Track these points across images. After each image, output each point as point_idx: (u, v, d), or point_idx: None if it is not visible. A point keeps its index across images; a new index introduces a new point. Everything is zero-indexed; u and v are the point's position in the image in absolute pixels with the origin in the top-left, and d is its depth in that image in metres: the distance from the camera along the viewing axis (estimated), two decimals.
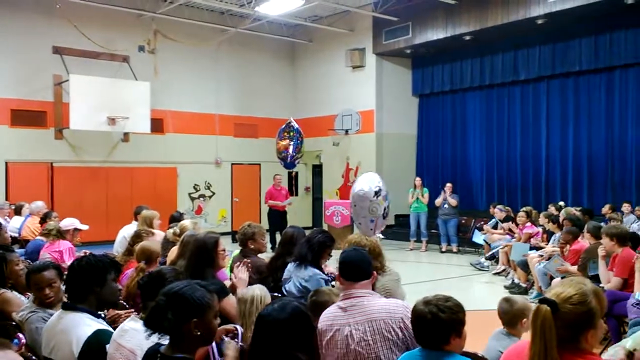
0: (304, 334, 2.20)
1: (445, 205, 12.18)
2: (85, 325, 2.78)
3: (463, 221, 12.32)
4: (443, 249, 12.25)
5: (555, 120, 12.74)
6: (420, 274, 9.95)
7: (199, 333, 2.20)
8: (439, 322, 2.37)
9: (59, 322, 2.85)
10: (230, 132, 15.66)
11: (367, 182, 8.69)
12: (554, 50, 12.36)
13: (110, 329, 2.86)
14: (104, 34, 13.21)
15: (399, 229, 13.99)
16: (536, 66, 12.69)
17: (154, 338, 2.30)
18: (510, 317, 3.44)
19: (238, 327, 2.84)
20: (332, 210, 13.02)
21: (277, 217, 12.21)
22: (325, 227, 13.52)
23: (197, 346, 2.29)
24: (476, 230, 10.95)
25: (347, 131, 15.20)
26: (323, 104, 15.83)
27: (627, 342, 2.41)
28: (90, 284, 2.88)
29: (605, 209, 9.90)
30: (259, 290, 3.23)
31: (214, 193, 15.42)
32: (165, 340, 2.27)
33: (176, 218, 6.32)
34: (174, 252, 4.74)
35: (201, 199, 15.22)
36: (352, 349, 2.66)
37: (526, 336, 3.47)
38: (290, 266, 4.14)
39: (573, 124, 12.42)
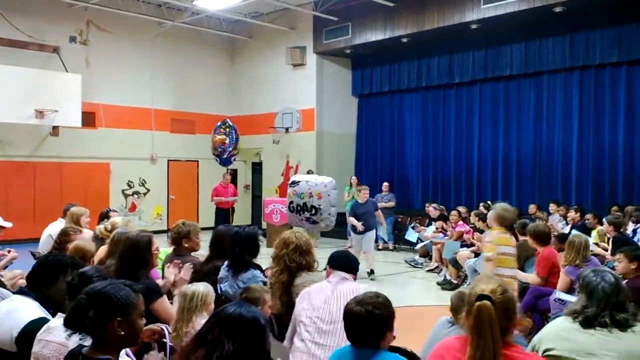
0: (255, 342, 2.12)
1: (382, 203, 12.41)
2: (31, 309, 2.80)
3: (399, 219, 12.57)
4: (379, 247, 12.45)
5: (486, 123, 13.21)
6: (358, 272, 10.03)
7: (122, 333, 2.13)
8: (376, 320, 2.41)
9: (8, 305, 2.86)
10: (166, 128, 15.31)
11: (309, 177, 8.81)
12: (486, 54, 12.82)
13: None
14: (33, 23, 12.60)
15: (336, 227, 14.05)
16: (470, 70, 13.12)
17: (75, 339, 2.21)
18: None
19: (164, 327, 2.77)
20: (272, 208, 12.95)
21: (224, 215, 12.03)
22: (264, 225, 13.47)
23: (121, 347, 2.22)
24: (410, 229, 11.20)
25: (287, 129, 15.18)
26: (263, 101, 15.75)
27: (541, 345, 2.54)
28: (44, 279, 2.96)
29: (532, 208, 10.36)
30: (203, 287, 3.20)
31: (148, 190, 15.03)
32: (89, 342, 2.18)
33: (104, 215, 6.09)
34: (103, 250, 4.57)
35: (135, 196, 14.80)
36: (331, 303, 3.10)
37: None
38: (226, 265, 4.06)
39: (503, 126, 12.93)
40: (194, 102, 15.70)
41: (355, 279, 3.42)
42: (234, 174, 16.30)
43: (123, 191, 14.60)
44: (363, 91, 15.44)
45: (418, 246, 10.33)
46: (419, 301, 7.34)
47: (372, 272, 9.11)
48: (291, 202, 8.75)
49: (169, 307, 3.44)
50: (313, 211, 8.47)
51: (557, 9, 10.64)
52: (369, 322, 2.41)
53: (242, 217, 15.43)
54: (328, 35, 14.31)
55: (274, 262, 3.82)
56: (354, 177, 13.17)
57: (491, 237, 4.93)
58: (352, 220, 9.15)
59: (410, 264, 10.37)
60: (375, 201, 10.16)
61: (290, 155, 15.29)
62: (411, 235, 10.97)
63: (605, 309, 2.44)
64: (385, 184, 12.85)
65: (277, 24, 14.76)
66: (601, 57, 11.15)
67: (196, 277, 4.11)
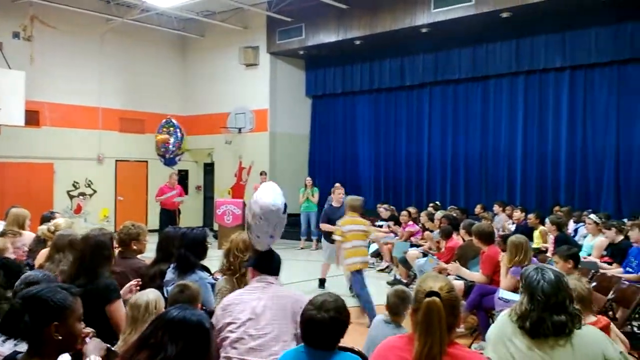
0: (199, 346, 2.09)
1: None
2: None
3: None
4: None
5: (436, 125, 13.50)
6: (310, 272, 10.04)
7: (59, 338, 2.06)
8: (338, 324, 2.44)
9: None
10: (115, 127, 14.91)
11: (276, 195, 8.09)
12: (436, 58, 13.08)
13: None
14: None
15: (290, 228, 13.93)
16: (420, 73, 13.36)
17: (10, 345, 2.12)
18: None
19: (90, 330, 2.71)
20: (224, 209, 12.80)
21: (170, 216, 11.78)
22: (216, 226, 13.31)
23: (59, 352, 2.15)
24: None
25: (240, 129, 15.05)
26: (215, 101, 15.56)
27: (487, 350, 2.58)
28: None
29: (478, 208, 10.64)
30: (153, 295, 3.11)
31: (95, 191, 14.60)
32: (24, 347, 2.10)
33: (47, 218, 5.87)
34: (43, 254, 4.41)
35: (81, 197, 14.35)
36: (257, 313, 2.94)
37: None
38: (172, 268, 3.97)
39: (452, 128, 13.23)
40: (144, 101, 15.36)
41: (277, 279, 3.28)
42: (184, 174, 16.06)
43: (68, 192, 14.14)
44: (317, 92, 15.50)
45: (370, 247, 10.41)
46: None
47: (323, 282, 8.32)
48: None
49: (124, 311, 3.36)
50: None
51: (504, 15, 10.95)
52: (331, 327, 2.43)
53: (193, 218, 15.21)
54: (281, 35, 14.29)
55: (235, 267, 3.75)
56: (308, 178, 13.19)
57: (340, 221, 6.54)
58: (326, 225, 7.75)
59: None
60: None
61: (243, 156, 15.16)
62: None
63: (546, 310, 2.42)
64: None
65: (230, 23, 14.62)
66: (545, 62, 11.56)
67: (142, 281, 4.01)
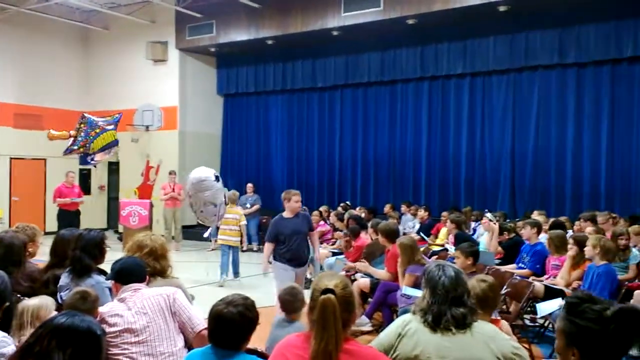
0: (89, 353, 1.99)
1: (247, 205, 12.41)
2: None
3: (264, 220, 12.61)
4: (244, 248, 12.38)
5: (347, 127, 13.76)
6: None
7: None
8: (247, 321, 2.42)
9: None
10: (9, 123, 13.90)
11: (204, 169, 7.71)
12: (347, 61, 13.33)
13: None
14: None
15: (200, 229, 13.78)
16: (332, 75, 13.55)
17: None
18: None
19: None
20: (129, 210, 12.30)
21: (69, 218, 11.14)
22: (120, 228, 12.79)
23: None
24: None
25: (147, 127, 14.53)
26: (120, 97, 14.88)
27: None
28: None
29: (387, 208, 10.98)
30: (36, 302, 2.94)
31: None
32: None
33: None
34: None
35: None
36: (131, 322, 2.92)
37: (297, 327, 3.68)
38: (67, 273, 3.76)
39: (362, 130, 13.54)
40: (41, 95, 14.42)
41: (145, 283, 3.23)
42: (87, 173, 15.31)
43: None
44: (229, 91, 15.28)
45: None
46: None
47: None
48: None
49: None
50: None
51: (410, 22, 11.35)
52: (240, 324, 2.40)
53: (96, 219, 14.51)
54: (191, 31, 13.96)
55: None
56: None
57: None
58: (265, 253, 6.56)
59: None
60: (308, 214, 7.01)
61: (151, 155, 14.66)
62: None
63: (445, 303, 2.50)
64: (250, 185, 12.84)
65: (136, 16, 14.07)
66: (448, 69, 12.10)
67: (34, 286, 3.78)
